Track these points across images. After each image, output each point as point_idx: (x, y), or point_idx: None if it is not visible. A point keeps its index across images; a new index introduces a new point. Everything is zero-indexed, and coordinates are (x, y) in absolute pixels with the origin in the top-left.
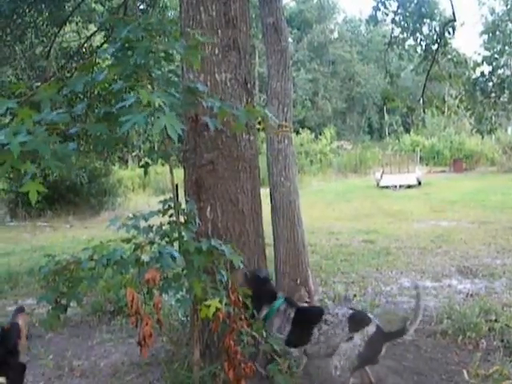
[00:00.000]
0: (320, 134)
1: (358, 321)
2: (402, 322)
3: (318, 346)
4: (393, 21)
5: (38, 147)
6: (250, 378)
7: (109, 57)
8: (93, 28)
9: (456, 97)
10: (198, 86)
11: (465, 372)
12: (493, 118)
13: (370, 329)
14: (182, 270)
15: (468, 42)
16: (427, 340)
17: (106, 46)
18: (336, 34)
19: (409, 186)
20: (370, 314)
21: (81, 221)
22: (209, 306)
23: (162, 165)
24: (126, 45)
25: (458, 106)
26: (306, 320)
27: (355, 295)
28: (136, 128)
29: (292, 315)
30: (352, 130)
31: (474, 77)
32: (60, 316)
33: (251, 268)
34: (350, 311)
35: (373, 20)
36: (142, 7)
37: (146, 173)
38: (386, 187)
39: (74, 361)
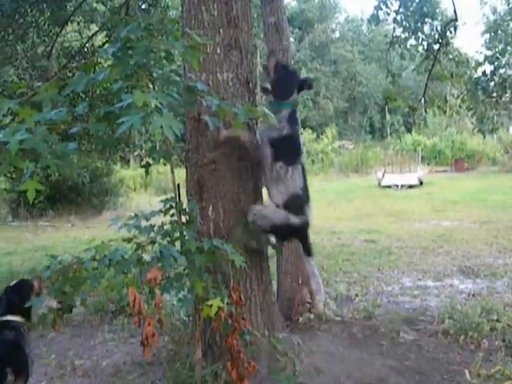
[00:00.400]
0: (321, 134)
1: (293, 204)
2: None
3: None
4: (394, 20)
5: (37, 145)
6: (253, 377)
7: (110, 56)
8: (94, 28)
9: (458, 96)
10: (197, 86)
11: (467, 372)
12: (494, 117)
13: (294, 220)
14: (184, 270)
15: (470, 42)
16: (429, 340)
17: (107, 45)
18: (337, 34)
19: (410, 186)
20: (308, 209)
21: (83, 220)
22: (210, 306)
23: (164, 164)
24: (127, 44)
25: (459, 106)
26: (287, 149)
27: (357, 295)
28: (137, 128)
29: (284, 131)
30: (353, 130)
31: (475, 76)
32: (62, 316)
33: (253, 271)
34: (298, 191)
35: (374, 19)
36: (143, 7)
37: (147, 173)
38: (388, 187)
39: (76, 360)
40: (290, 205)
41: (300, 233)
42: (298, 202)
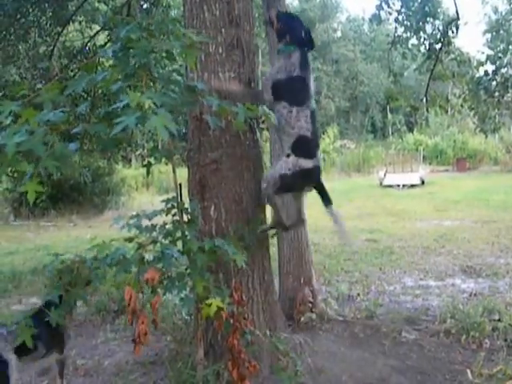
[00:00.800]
0: (323, 133)
1: (301, 146)
2: None
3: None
4: (396, 20)
5: (34, 147)
6: (254, 376)
7: (111, 56)
8: (96, 27)
9: (459, 96)
10: (197, 85)
11: (468, 371)
12: (496, 117)
13: (306, 163)
14: (186, 269)
15: (471, 41)
16: (431, 339)
17: (108, 45)
18: (339, 33)
19: (412, 186)
20: (318, 152)
21: (84, 220)
22: (210, 305)
23: (166, 164)
24: (127, 45)
25: (461, 105)
26: (292, 89)
27: (359, 294)
28: (132, 128)
29: (294, 73)
30: (355, 129)
31: (477, 76)
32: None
33: (255, 270)
34: (306, 133)
35: (376, 19)
36: (145, 6)
37: (148, 172)
38: (390, 186)
39: (78, 360)
40: (298, 147)
41: (313, 178)
42: (307, 145)
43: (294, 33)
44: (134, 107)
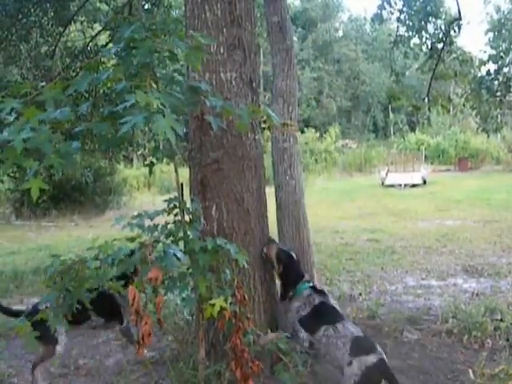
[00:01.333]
0: (325, 133)
1: (359, 346)
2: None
3: (318, 347)
4: (398, 19)
5: (41, 144)
6: (257, 376)
7: (113, 56)
8: (98, 27)
9: (461, 95)
10: (200, 85)
11: (470, 371)
12: (498, 116)
13: (370, 359)
14: (188, 269)
15: (473, 41)
16: (432, 339)
17: (110, 45)
18: (341, 33)
19: (414, 185)
20: (378, 346)
21: (86, 220)
22: (213, 305)
23: (167, 164)
24: (130, 44)
25: (463, 105)
26: (324, 314)
27: (360, 294)
28: (141, 127)
29: (316, 301)
30: (357, 129)
31: (479, 75)
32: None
33: (256, 270)
34: (359, 334)
35: (378, 19)
36: (146, 6)
37: (150, 172)
38: (391, 186)
39: (80, 359)
40: (357, 348)
41: (384, 370)
42: (363, 342)
43: (298, 275)
44: (143, 107)
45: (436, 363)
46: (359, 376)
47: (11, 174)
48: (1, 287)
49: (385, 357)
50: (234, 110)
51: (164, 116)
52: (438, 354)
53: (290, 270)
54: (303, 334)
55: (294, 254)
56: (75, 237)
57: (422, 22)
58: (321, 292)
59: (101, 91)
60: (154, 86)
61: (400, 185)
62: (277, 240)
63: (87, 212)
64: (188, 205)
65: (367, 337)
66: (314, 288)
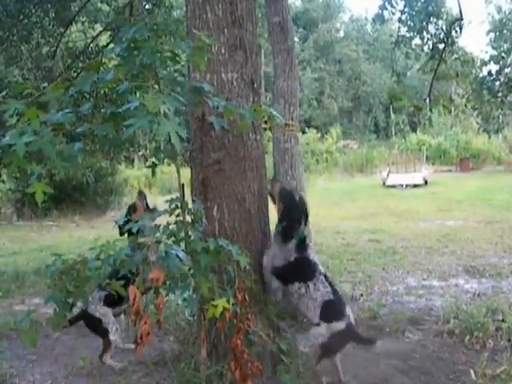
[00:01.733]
0: (326, 133)
1: (330, 312)
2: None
3: (291, 297)
4: (399, 20)
5: (43, 147)
6: (256, 377)
7: (115, 56)
8: (99, 28)
9: (463, 96)
10: (203, 86)
11: (472, 372)
12: (500, 117)
13: (339, 325)
14: (189, 270)
15: (475, 41)
16: (434, 339)
17: (112, 45)
18: (342, 33)
19: (415, 186)
20: (348, 308)
21: (87, 220)
22: (216, 306)
23: (169, 164)
24: (132, 45)
25: (465, 105)
26: (298, 271)
27: (362, 294)
28: (145, 130)
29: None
30: (358, 129)
31: (481, 76)
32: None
33: (257, 270)
34: (330, 297)
35: (379, 19)
36: (147, 7)
37: (153, 174)
38: (393, 186)
39: (81, 360)
40: (327, 313)
41: (349, 336)
42: (333, 307)
43: (295, 223)
44: (151, 111)
45: (437, 364)
46: (326, 339)
47: (12, 175)
48: (3, 287)
49: (353, 320)
50: (235, 110)
51: (169, 120)
52: (440, 354)
53: (290, 210)
54: (277, 284)
55: (297, 196)
56: (76, 237)
57: (424, 23)
58: (304, 245)
59: (102, 91)
60: (156, 86)
61: (401, 185)
62: None
63: (88, 212)
64: (189, 205)
65: (338, 299)
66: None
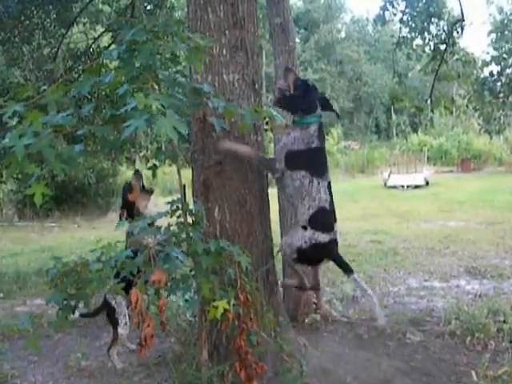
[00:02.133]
0: (327, 134)
1: (320, 220)
2: None
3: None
4: (401, 20)
5: (43, 150)
6: (262, 377)
7: (115, 58)
8: (100, 29)
9: (464, 97)
10: (203, 87)
11: (473, 373)
12: (501, 117)
13: (324, 237)
14: (190, 271)
15: (476, 42)
16: (435, 341)
17: (113, 46)
18: (343, 34)
19: (416, 186)
20: (335, 226)
21: (88, 221)
22: (217, 307)
23: (170, 165)
24: (132, 46)
25: (466, 106)
26: (313, 160)
27: (363, 295)
28: (142, 130)
29: (314, 144)
30: (359, 130)
31: (482, 76)
32: (68, 317)
33: (257, 272)
34: (325, 205)
35: (380, 20)
36: (149, 8)
37: (154, 175)
38: (394, 187)
39: (83, 361)
40: (317, 219)
41: (330, 252)
42: (325, 217)
43: (314, 103)
44: (143, 110)
45: (439, 365)
46: (307, 245)
47: (14, 176)
48: (4, 288)
49: (338, 237)
50: (236, 110)
51: (165, 116)
52: (441, 355)
53: (305, 96)
54: (281, 166)
55: (311, 83)
56: (78, 238)
57: (425, 23)
58: (323, 135)
59: (103, 93)
60: (156, 87)
61: (402, 186)
62: (278, 241)
63: (90, 213)
64: (191, 206)
65: (333, 212)
66: (320, 128)
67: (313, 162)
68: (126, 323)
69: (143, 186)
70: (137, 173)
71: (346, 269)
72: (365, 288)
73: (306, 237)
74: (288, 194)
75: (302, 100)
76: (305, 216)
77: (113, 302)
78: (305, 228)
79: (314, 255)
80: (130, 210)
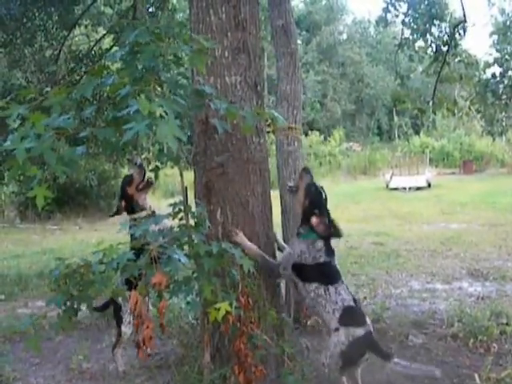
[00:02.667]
0: (329, 136)
1: (349, 318)
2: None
3: (307, 298)
4: (403, 22)
5: (44, 152)
6: (260, 381)
7: (118, 60)
8: (102, 31)
9: (467, 98)
10: (205, 89)
11: (476, 376)
12: (504, 119)
13: (358, 332)
14: (193, 273)
15: (479, 43)
16: (438, 343)
17: (115, 48)
18: (345, 36)
19: (418, 188)
20: (367, 318)
21: (90, 223)
22: (218, 309)
23: (172, 167)
24: (135, 49)
25: (468, 108)
26: (323, 273)
27: (365, 298)
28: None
29: (321, 259)
30: (361, 132)
31: (484, 78)
32: (71, 318)
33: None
34: (350, 303)
35: (382, 21)
36: (151, 10)
37: (156, 177)
38: (396, 189)
39: (84, 363)
40: (346, 317)
41: (369, 343)
42: (353, 313)
43: (322, 220)
44: (146, 115)
45: (441, 367)
46: (346, 346)
47: (15, 178)
48: (6, 291)
49: (371, 328)
50: (238, 112)
51: (167, 123)
52: (444, 358)
53: (314, 207)
54: (287, 273)
55: (324, 193)
56: (79, 240)
57: (427, 25)
58: (330, 251)
59: (105, 95)
60: (159, 89)
61: (404, 188)
62: (280, 242)
63: (91, 215)
64: (193, 209)
65: (359, 307)
66: (327, 243)
67: (323, 274)
68: (129, 322)
69: (143, 179)
70: (140, 166)
71: (384, 356)
72: (418, 367)
73: (342, 337)
74: (309, 304)
75: (311, 210)
76: (333, 321)
77: (119, 299)
78: (337, 330)
79: (355, 352)
80: (129, 203)
